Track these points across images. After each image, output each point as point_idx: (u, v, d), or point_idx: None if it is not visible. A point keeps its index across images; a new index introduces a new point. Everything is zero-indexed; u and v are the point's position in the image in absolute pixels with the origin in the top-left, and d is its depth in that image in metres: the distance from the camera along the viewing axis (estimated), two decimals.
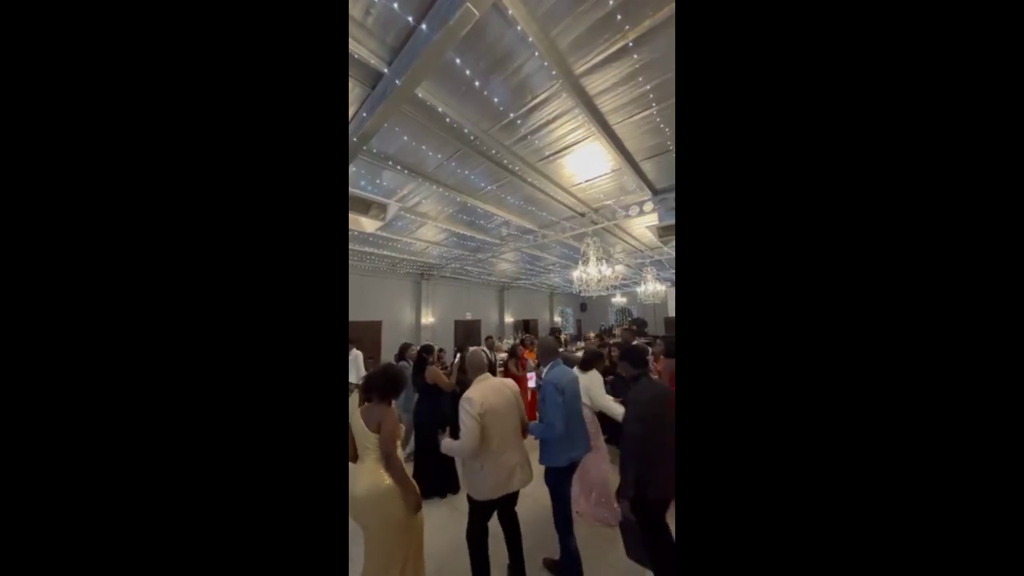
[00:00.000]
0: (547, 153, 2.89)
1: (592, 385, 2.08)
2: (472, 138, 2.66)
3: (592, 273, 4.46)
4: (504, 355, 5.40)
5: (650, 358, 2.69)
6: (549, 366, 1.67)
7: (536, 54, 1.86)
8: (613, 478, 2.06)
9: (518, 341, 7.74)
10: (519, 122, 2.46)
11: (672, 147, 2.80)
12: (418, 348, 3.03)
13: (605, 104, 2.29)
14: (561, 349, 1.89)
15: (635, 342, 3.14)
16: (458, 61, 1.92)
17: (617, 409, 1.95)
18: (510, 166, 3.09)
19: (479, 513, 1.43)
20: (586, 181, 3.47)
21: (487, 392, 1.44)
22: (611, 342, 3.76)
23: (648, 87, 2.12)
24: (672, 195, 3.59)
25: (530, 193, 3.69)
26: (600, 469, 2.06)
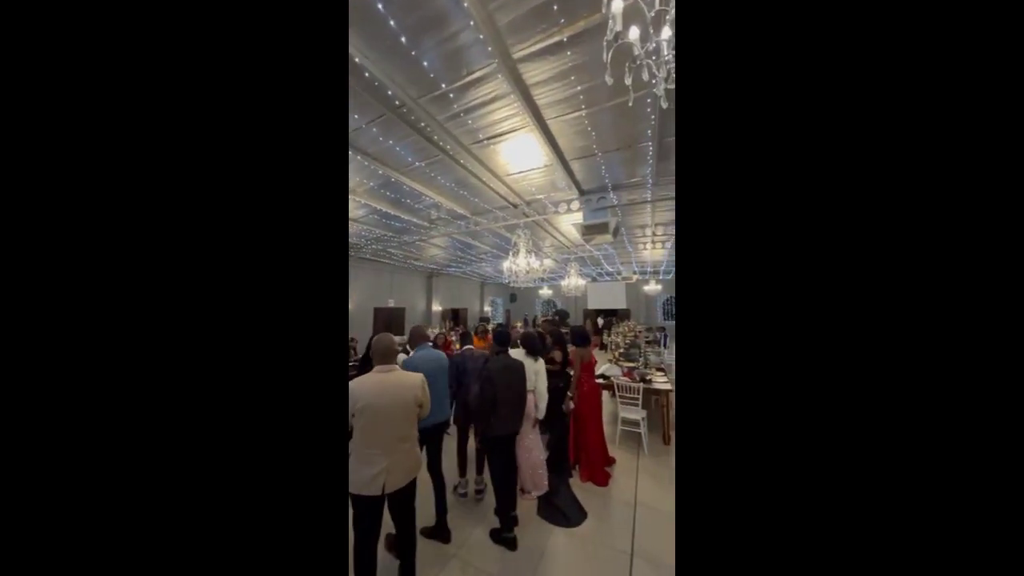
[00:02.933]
0: (482, 137, 2.80)
1: (541, 371, 2.22)
2: (398, 103, 2.39)
3: (522, 264, 4.61)
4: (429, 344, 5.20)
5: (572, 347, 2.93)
6: (418, 348, 2.09)
7: (472, 23, 1.75)
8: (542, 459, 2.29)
9: (445, 330, 7.59)
10: (452, 96, 2.31)
11: (597, 151, 3.03)
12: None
13: (541, 97, 2.33)
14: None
15: (562, 331, 3.40)
16: (380, 7, 1.67)
17: (544, 396, 2.17)
18: (442, 143, 2.91)
19: (355, 506, 1.36)
20: (519, 172, 3.50)
21: (372, 389, 1.34)
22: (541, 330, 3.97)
23: (579, 88, 2.22)
24: (595, 197, 3.92)
25: (463, 176, 3.55)
26: (535, 450, 2.21)
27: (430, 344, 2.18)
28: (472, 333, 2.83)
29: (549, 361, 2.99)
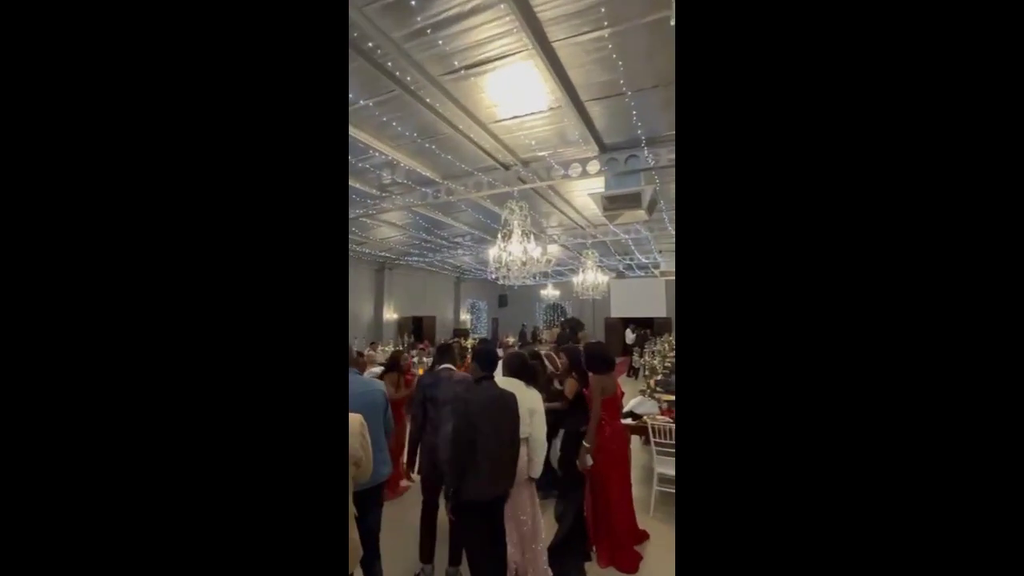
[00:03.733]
0: (458, 65, 2.81)
1: (538, 409, 2.17)
2: None
3: (515, 252, 4.62)
4: (379, 368, 5.20)
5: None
6: None
7: None
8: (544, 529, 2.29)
9: (404, 346, 7.53)
10: (414, 4, 2.32)
11: (626, 89, 3.08)
12: None
13: (545, 9, 2.35)
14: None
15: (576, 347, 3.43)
16: None
17: (542, 447, 2.16)
18: (399, 74, 2.91)
19: None
20: (513, 118, 3.52)
21: None
22: (543, 351, 4.00)
23: None
24: (623, 155, 3.99)
25: (429, 122, 3.56)
26: (529, 520, 2.22)
27: (355, 371, 2.17)
28: (448, 348, 2.77)
29: (556, 394, 3.04)
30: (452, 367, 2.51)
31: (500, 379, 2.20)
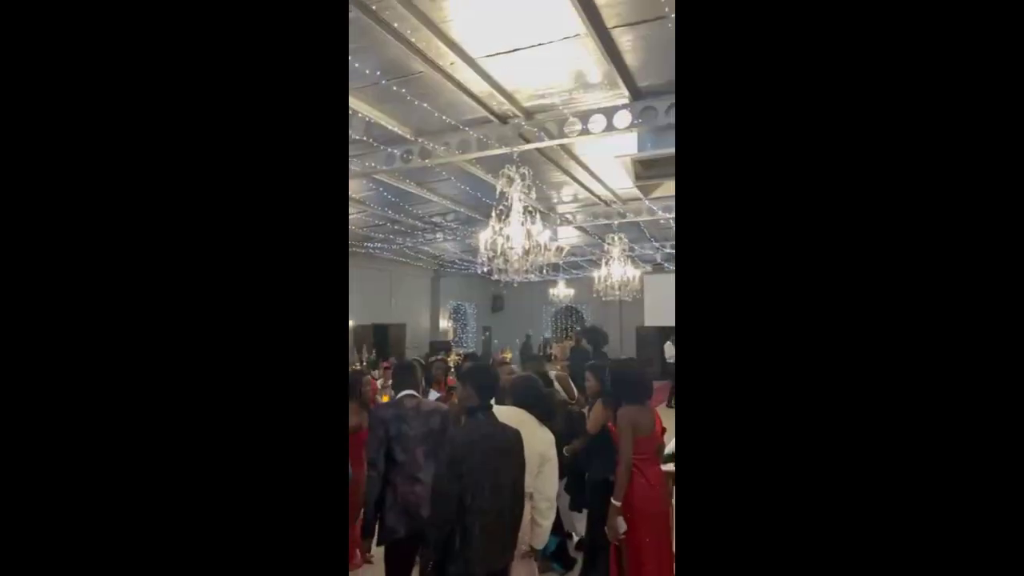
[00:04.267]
0: None
1: (551, 458, 2.18)
2: None
3: (515, 236, 4.62)
4: None
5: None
6: None
7: None
8: None
9: (364, 365, 7.53)
10: None
11: (670, 12, 3.04)
12: None
13: None
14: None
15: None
16: None
17: (551, 508, 2.17)
18: None
19: None
20: (513, 51, 3.50)
21: None
22: (553, 371, 4.03)
23: None
24: (665, 103, 3.95)
25: (397, 57, 3.53)
26: None
27: None
28: (409, 369, 2.81)
29: (574, 424, 3.06)
30: (416, 394, 2.54)
31: (502, 410, 2.20)
